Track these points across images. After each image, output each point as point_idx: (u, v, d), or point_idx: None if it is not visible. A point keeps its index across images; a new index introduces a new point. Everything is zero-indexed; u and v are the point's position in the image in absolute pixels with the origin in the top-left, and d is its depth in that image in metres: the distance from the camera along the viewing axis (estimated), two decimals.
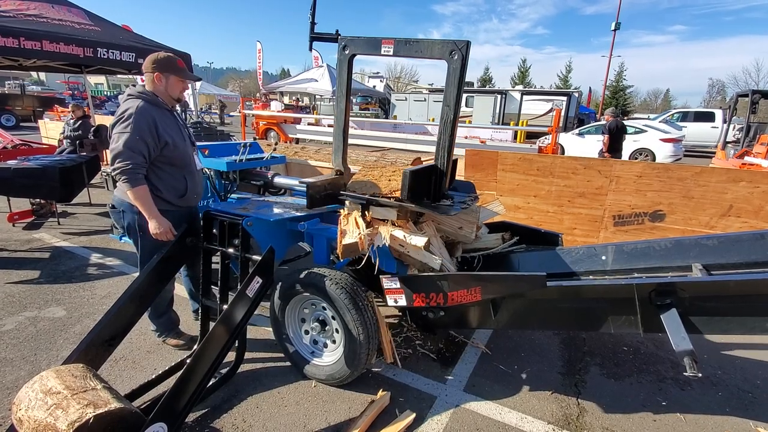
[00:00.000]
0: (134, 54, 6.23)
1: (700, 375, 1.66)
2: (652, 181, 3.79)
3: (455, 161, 2.83)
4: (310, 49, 2.77)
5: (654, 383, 2.55)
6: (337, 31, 2.59)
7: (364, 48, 2.49)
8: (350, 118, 2.84)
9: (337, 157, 2.75)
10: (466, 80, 2.42)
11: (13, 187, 4.35)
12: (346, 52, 2.52)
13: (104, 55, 5.86)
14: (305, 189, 2.57)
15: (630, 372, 2.65)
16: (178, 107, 2.65)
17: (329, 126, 12.45)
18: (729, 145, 9.79)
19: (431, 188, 2.48)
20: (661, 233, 3.80)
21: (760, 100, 8.93)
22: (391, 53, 2.38)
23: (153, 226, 2.23)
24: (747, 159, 7.68)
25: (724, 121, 12.86)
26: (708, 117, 15.58)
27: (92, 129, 7.11)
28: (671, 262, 2.39)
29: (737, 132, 12.00)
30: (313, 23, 2.66)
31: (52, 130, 9.45)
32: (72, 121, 6.93)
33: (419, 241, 2.19)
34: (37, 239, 4.67)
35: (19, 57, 6.02)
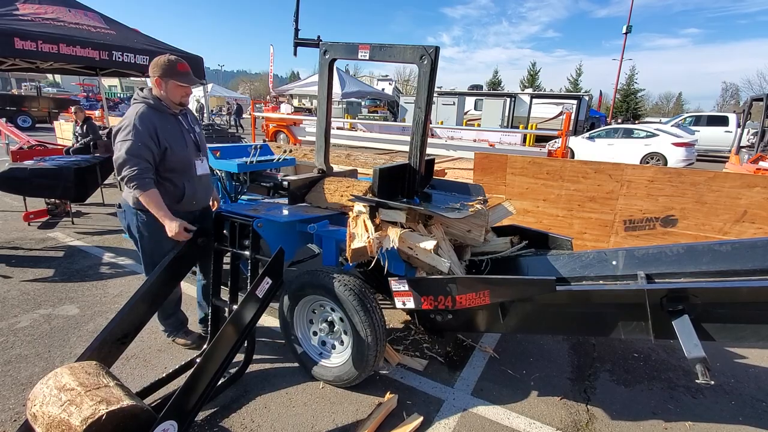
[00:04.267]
0: (148, 57, 6.33)
1: (712, 383, 1.64)
2: (664, 185, 3.75)
3: (432, 161, 2.94)
4: (295, 54, 2.92)
5: (665, 390, 2.51)
6: (318, 36, 2.77)
7: (343, 53, 2.63)
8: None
9: (319, 156, 2.88)
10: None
11: (30, 186, 4.45)
12: (327, 56, 2.66)
13: (119, 58, 5.98)
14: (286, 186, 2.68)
15: (641, 379, 2.61)
16: (195, 111, 2.71)
17: (338, 129, 12.51)
18: (743, 149, 9.62)
19: (404, 186, 2.57)
20: (673, 239, 3.75)
21: None
22: (367, 58, 2.51)
23: (168, 229, 2.24)
24: (761, 164, 7.54)
25: (738, 126, 12.67)
26: (721, 121, 15.35)
27: (106, 130, 7.23)
28: (683, 268, 2.35)
29: (751, 136, 11.80)
30: (296, 29, 2.80)
31: (67, 131, 9.63)
32: (77, 125, 7.04)
33: (428, 244, 2.19)
34: (51, 238, 4.76)
35: (37, 59, 6.17)
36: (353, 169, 3.36)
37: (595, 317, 2.06)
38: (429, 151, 8.75)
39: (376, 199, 2.49)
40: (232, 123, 23.57)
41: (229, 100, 30.20)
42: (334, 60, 2.68)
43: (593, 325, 2.10)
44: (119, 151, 2.15)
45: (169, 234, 2.24)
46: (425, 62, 2.32)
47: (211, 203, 2.83)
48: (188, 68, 2.36)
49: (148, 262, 2.46)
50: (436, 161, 5.68)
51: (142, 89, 2.35)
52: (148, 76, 2.40)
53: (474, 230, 2.64)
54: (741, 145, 9.70)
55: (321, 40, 2.69)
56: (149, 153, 2.18)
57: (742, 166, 7.88)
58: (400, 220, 2.35)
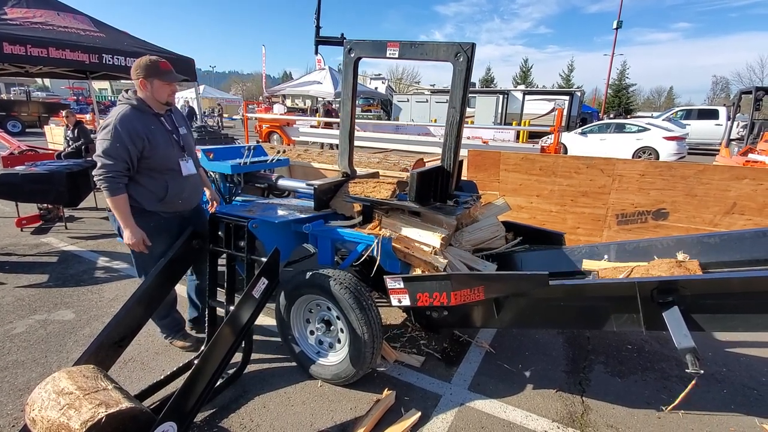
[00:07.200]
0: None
1: (702, 372, 1.68)
2: (655, 179, 3.80)
3: (460, 162, 2.83)
4: (316, 52, 2.78)
5: (659, 381, 2.55)
6: (342, 34, 2.61)
7: (370, 51, 2.50)
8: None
9: (343, 159, 2.77)
10: None
11: (22, 192, 4.42)
12: (352, 55, 2.53)
13: (109, 60, 5.95)
14: (312, 191, 2.60)
15: (634, 370, 2.66)
16: (182, 108, 2.66)
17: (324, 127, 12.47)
18: (733, 142, 9.74)
19: (438, 189, 2.51)
20: (665, 231, 3.80)
21: (763, 97, 8.87)
22: (396, 56, 2.38)
23: (126, 236, 2.26)
24: (751, 156, 7.65)
25: (728, 119, 12.79)
26: (712, 114, 15.50)
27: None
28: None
29: (741, 129, 11.94)
30: (318, 27, 2.68)
31: (57, 135, 9.54)
32: (68, 129, 6.97)
33: (430, 241, 2.22)
34: (45, 243, 4.73)
35: (26, 64, 6.12)
36: (375, 172, 3.25)
37: (588, 311, 2.08)
38: (422, 149, 8.77)
39: (372, 198, 2.51)
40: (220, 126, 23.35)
41: (219, 101, 30.03)
42: (359, 59, 2.54)
43: (586, 318, 2.13)
44: (98, 150, 2.17)
45: (126, 241, 2.27)
46: (461, 60, 2.20)
47: (210, 204, 2.84)
48: (170, 66, 2.36)
49: (139, 264, 2.48)
50: (432, 159, 5.70)
51: (127, 91, 2.34)
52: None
53: (499, 232, 2.83)
54: (731, 137, 9.81)
55: (345, 38, 2.57)
56: (126, 153, 2.17)
57: (732, 159, 7.98)
58: (435, 244, 2.28)
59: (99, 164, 2.16)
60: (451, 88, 2.32)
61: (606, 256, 2.58)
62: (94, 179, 2.19)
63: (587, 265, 2.63)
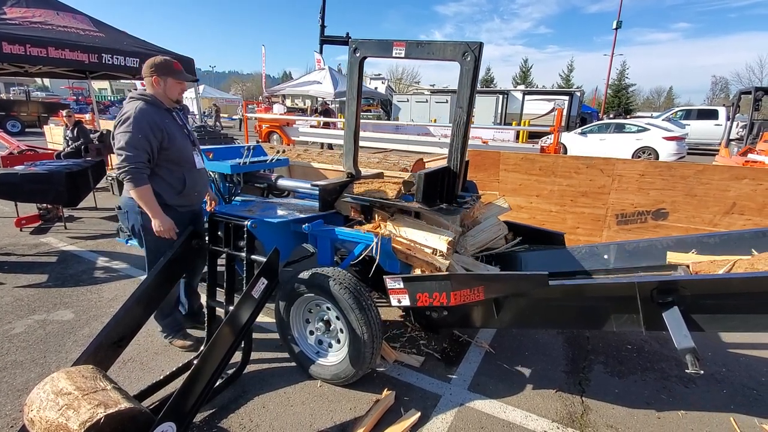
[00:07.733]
0: (138, 59, 6.31)
1: (702, 372, 1.68)
2: (654, 179, 3.80)
3: (466, 162, 2.82)
4: (321, 51, 2.79)
5: (658, 381, 2.55)
6: (347, 33, 2.60)
7: (376, 50, 2.48)
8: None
9: (348, 159, 2.76)
10: None
11: (21, 192, 4.42)
12: (357, 54, 2.51)
13: (109, 60, 5.95)
14: (317, 192, 2.60)
15: (634, 370, 2.65)
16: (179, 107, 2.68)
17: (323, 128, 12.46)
18: (732, 142, 9.74)
19: (444, 190, 2.50)
20: (665, 231, 3.80)
21: (763, 98, 8.88)
22: (402, 55, 2.36)
23: (156, 225, 2.30)
24: (750, 156, 7.66)
25: (728, 119, 12.78)
26: (711, 115, 15.50)
27: (97, 134, 7.18)
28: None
29: (741, 129, 11.95)
30: (323, 26, 2.68)
31: (57, 135, 9.53)
32: (68, 129, 6.97)
33: (436, 245, 2.22)
34: (44, 243, 4.72)
35: (25, 63, 6.11)
36: (380, 172, 3.18)
37: (588, 311, 2.09)
38: (422, 149, 8.74)
39: (370, 198, 2.50)
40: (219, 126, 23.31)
41: (216, 101, 29.94)
42: (364, 58, 2.51)
43: (586, 318, 2.13)
44: (119, 143, 2.20)
45: (156, 229, 2.31)
46: (468, 59, 2.19)
47: (208, 204, 2.84)
48: (181, 66, 2.47)
49: (152, 259, 2.49)
50: (432, 159, 5.69)
51: (135, 89, 2.40)
52: (138, 78, 2.43)
53: (502, 232, 2.84)
54: (730, 138, 9.82)
55: (350, 37, 2.56)
56: (148, 145, 2.23)
57: (732, 159, 7.99)
58: (442, 248, 2.26)
59: (122, 157, 2.19)
60: (458, 87, 2.29)
61: (606, 256, 2.58)
62: (117, 173, 2.22)
63: (672, 258, 2.37)
